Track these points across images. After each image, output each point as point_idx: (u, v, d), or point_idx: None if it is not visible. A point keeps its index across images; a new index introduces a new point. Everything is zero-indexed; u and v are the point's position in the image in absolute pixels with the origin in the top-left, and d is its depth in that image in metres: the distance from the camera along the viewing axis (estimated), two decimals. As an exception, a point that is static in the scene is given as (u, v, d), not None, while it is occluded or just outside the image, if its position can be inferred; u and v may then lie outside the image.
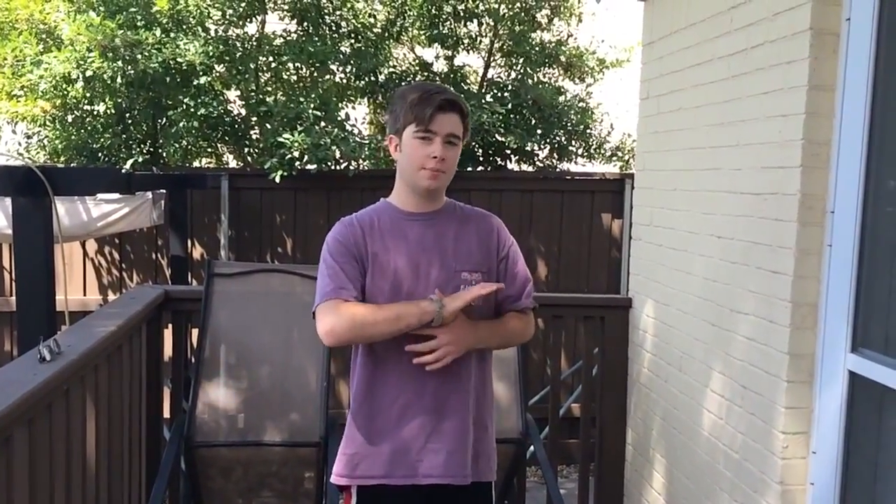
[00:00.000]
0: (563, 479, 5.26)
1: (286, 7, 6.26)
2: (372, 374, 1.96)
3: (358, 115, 6.77)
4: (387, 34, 6.65)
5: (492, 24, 6.65)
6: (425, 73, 6.71)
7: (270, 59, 6.04)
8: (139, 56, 5.26)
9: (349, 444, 1.99)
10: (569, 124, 6.67)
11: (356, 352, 2.01)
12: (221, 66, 5.81)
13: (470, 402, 1.99)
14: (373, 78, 6.48)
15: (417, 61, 6.93)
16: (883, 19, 2.20)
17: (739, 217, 2.74)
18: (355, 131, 5.95)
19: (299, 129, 5.35)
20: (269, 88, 6.38)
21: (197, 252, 5.91)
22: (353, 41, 6.45)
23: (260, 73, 6.26)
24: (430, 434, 1.94)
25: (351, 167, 5.59)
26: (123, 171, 5.48)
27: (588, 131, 6.84)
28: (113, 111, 5.87)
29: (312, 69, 6.27)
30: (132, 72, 5.29)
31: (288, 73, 6.38)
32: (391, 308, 1.88)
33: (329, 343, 1.90)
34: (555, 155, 6.89)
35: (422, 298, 1.89)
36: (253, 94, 6.14)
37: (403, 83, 6.55)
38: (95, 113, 5.94)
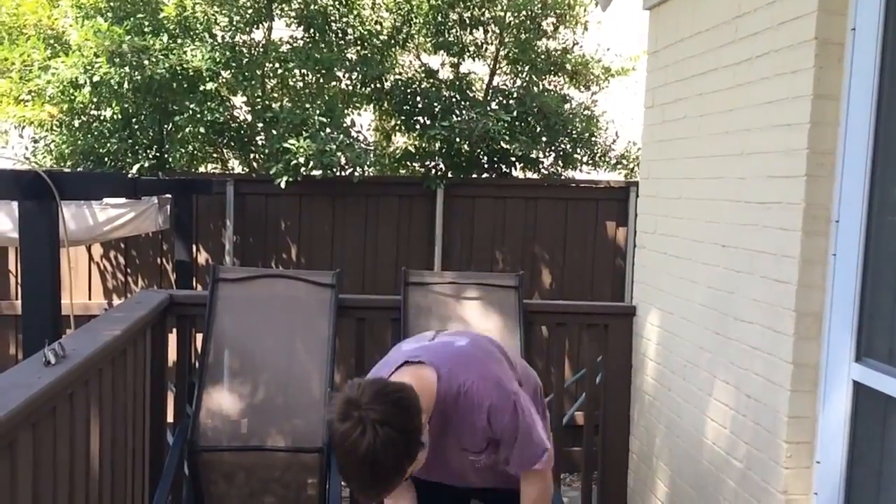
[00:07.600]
0: (567, 487, 5.25)
1: (293, 14, 6.28)
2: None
3: (363, 121, 6.80)
4: (393, 41, 6.68)
5: (497, 31, 6.67)
6: (431, 80, 6.73)
7: (277, 65, 6.07)
8: (146, 62, 5.29)
9: None
10: (574, 132, 6.67)
11: None
12: (228, 72, 5.83)
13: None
14: (378, 85, 6.51)
15: (423, 68, 6.95)
16: (888, 29, 2.20)
17: (744, 226, 2.73)
18: (360, 137, 5.96)
19: (305, 135, 5.37)
20: (275, 94, 6.41)
21: (202, 257, 5.92)
22: (359, 48, 6.47)
23: (266, 80, 6.29)
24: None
25: (356, 173, 5.60)
26: (129, 175, 5.50)
27: (593, 139, 6.84)
28: (119, 116, 5.90)
29: (318, 76, 6.29)
30: (139, 77, 5.31)
31: (294, 80, 6.40)
32: None
33: None
34: (559, 162, 6.90)
35: None
36: (259, 100, 6.16)
37: (409, 90, 6.58)
38: (102, 118, 5.96)
